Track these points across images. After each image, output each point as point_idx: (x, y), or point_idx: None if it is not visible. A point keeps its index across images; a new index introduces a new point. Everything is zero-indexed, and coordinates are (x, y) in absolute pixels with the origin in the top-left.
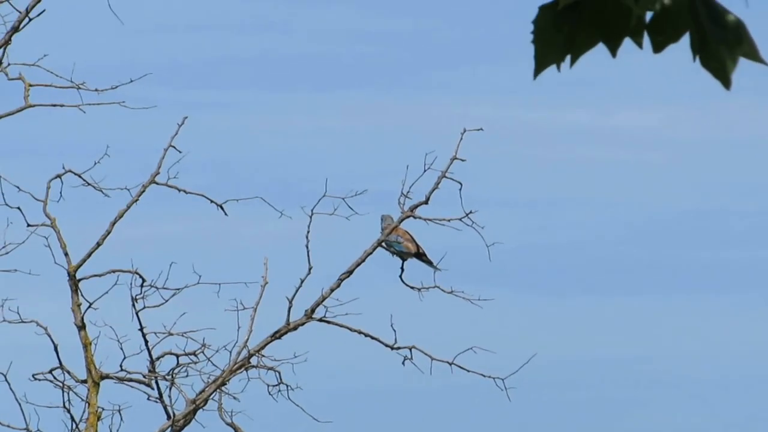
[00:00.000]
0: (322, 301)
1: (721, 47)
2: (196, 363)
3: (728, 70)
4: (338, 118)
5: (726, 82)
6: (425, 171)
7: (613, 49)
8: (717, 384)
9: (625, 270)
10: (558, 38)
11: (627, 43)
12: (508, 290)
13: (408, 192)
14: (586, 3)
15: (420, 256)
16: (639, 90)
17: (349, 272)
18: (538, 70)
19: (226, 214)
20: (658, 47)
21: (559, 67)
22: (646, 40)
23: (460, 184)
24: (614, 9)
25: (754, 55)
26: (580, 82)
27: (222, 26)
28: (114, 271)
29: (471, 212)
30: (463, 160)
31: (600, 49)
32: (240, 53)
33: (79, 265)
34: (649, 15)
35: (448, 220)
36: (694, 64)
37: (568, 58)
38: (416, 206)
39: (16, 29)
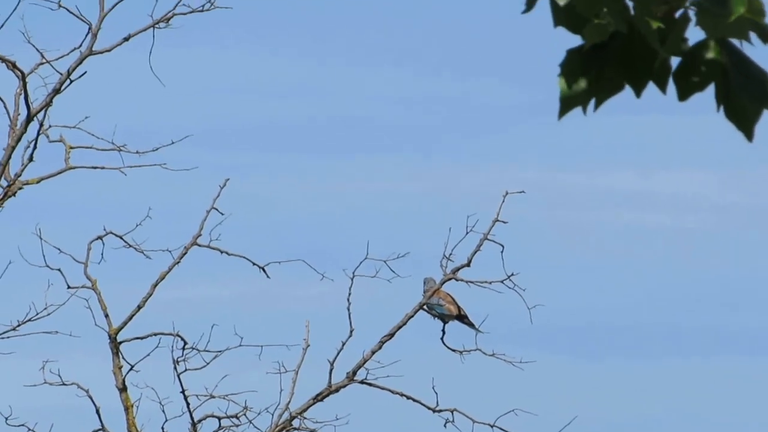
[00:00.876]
0: (364, 363)
1: (745, 98)
2: (237, 426)
3: (751, 122)
4: (380, 180)
5: (749, 134)
6: (467, 233)
7: (638, 90)
8: None
9: (666, 334)
10: (584, 80)
11: (664, 104)
12: (550, 352)
13: (450, 254)
14: (612, 46)
15: (462, 318)
16: (680, 152)
17: (391, 335)
18: (563, 112)
19: (268, 276)
20: (683, 95)
21: (584, 110)
22: (671, 87)
23: (502, 246)
24: (640, 51)
25: None
26: (620, 143)
27: (263, 89)
28: (155, 334)
29: (512, 274)
30: (504, 223)
31: (638, 107)
32: (281, 116)
33: (121, 328)
34: (675, 62)
35: (490, 283)
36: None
37: (593, 101)
38: (458, 269)
39: (57, 91)
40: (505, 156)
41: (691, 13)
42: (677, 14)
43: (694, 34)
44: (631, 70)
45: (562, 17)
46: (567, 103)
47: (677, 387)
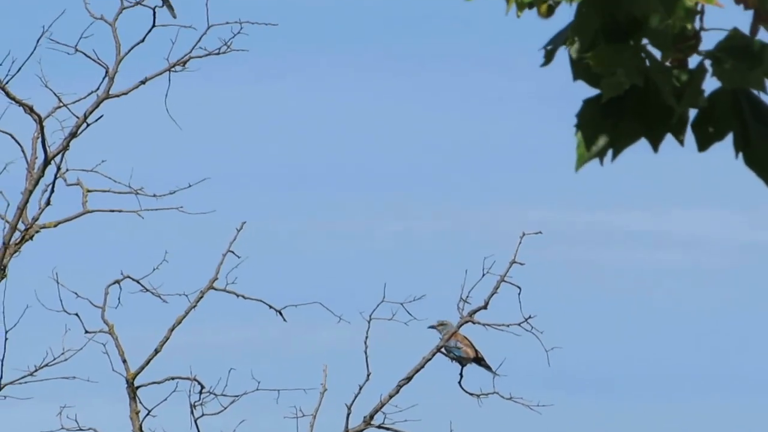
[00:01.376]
0: (381, 407)
1: (764, 146)
2: None
3: None
4: (395, 222)
5: None
6: (484, 275)
7: (655, 145)
8: None
9: (684, 375)
10: (601, 132)
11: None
12: (568, 395)
13: (467, 297)
14: (629, 97)
15: (479, 361)
16: (695, 190)
17: (408, 378)
18: (580, 163)
19: (284, 319)
20: (702, 146)
21: (602, 161)
22: (689, 136)
23: (519, 288)
24: (657, 105)
25: None
26: (636, 182)
27: (279, 131)
28: (172, 378)
29: (530, 317)
30: (521, 264)
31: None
32: (297, 158)
33: (138, 372)
34: (693, 111)
35: (507, 326)
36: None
37: (610, 151)
38: (475, 311)
39: (74, 135)
40: (519, 196)
41: (707, 64)
42: (693, 64)
43: (711, 83)
44: (648, 123)
45: (580, 72)
46: (584, 155)
47: (695, 428)
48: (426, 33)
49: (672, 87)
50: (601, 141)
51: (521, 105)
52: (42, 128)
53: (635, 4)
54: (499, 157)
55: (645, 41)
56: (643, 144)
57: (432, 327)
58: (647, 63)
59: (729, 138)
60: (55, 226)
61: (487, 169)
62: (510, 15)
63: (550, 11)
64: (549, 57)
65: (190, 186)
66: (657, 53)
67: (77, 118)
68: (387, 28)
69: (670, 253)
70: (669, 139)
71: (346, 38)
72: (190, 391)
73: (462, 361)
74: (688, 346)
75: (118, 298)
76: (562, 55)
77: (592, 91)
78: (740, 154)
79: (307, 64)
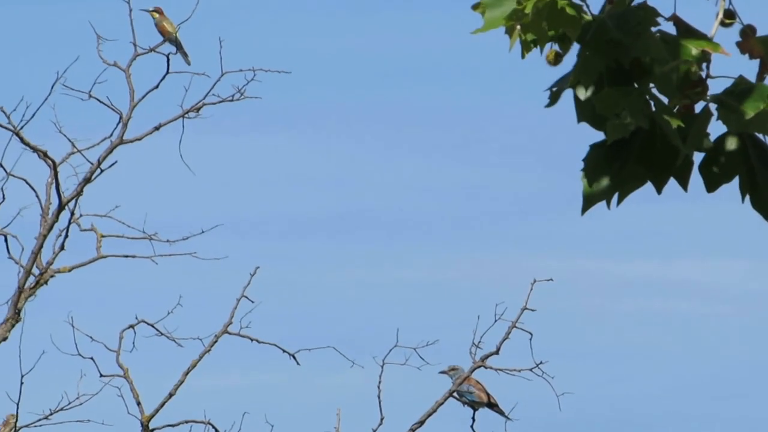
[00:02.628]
0: None
1: None
2: None
3: None
4: (408, 269)
5: None
6: (496, 321)
7: (659, 187)
8: None
9: (696, 422)
10: (607, 176)
11: (691, 191)
12: None
13: (479, 342)
14: (634, 141)
15: (492, 405)
16: (703, 240)
17: (421, 422)
18: (586, 207)
19: (298, 363)
20: (711, 187)
21: (608, 205)
22: (693, 182)
23: (531, 334)
24: (662, 148)
25: None
26: (643, 231)
27: (293, 178)
28: (187, 422)
29: (541, 362)
30: (533, 311)
31: (661, 200)
32: (309, 205)
33: (152, 415)
34: (700, 155)
35: (519, 371)
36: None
37: (616, 196)
38: (487, 356)
39: (88, 180)
40: (531, 245)
41: (713, 108)
42: (698, 108)
43: (716, 127)
44: (653, 166)
45: (585, 114)
46: (590, 199)
47: None
48: (436, 82)
49: (678, 128)
50: (607, 184)
51: (528, 152)
52: (56, 174)
53: (641, 50)
54: (511, 206)
55: (651, 85)
56: (652, 195)
57: (443, 372)
58: (653, 106)
59: (736, 181)
60: (70, 270)
61: (500, 218)
62: (514, 53)
63: (558, 59)
64: (554, 98)
65: (203, 232)
66: (663, 99)
67: (91, 163)
68: (398, 77)
69: (678, 300)
70: (678, 190)
71: (359, 85)
72: None
73: (475, 405)
74: (698, 389)
75: (133, 342)
76: (567, 95)
77: (600, 135)
78: (746, 198)
79: (320, 112)
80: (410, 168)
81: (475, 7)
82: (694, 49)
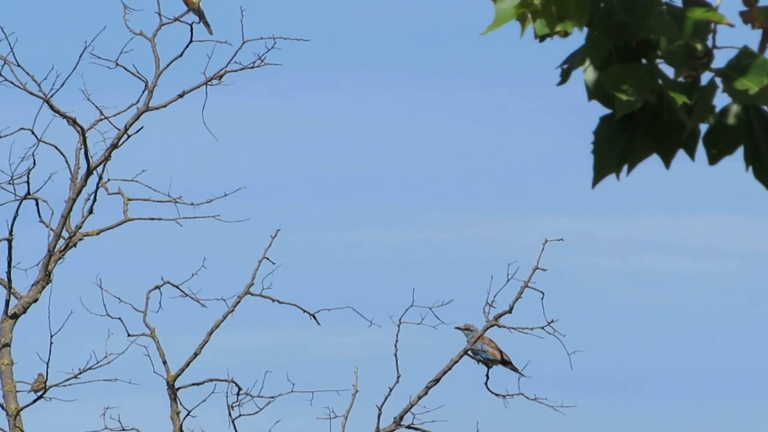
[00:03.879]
0: (410, 408)
1: None
2: None
3: None
4: (423, 231)
5: None
6: (508, 281)
7: (667, 161)
8: None
9: (703, 375)
10: (615, 148)
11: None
12: (590, 396)
13: (492, 301)
14: (643, 114)
15: (505, 363)
16: (704, 198)
17: (437, 380)
18: (596, 179)
19: (318, 323)
20: (713, 159)
21: (618, 176)
22: (699, 151)
23: (542, 293)
24: (669, 121)
25: None
26: (651, 190)
27: (312, 142)
28: (211, 380)
29: (552, 321)
30: (544, 270)
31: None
32: (329, 168)
33: (178, 374)
34: (704, 126)
35: (531, 329)
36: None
37: (625, 167)
38: (500, 315)
39: (115, 146)
40: (542, 206)
41: (718, 81)
42: (705, 81)
43: (721, 99)
44: (661, 139)
45: (596, 92)
46: (600, 171)
47: (713, 428)
48: (451, 50)
49: (684, 103)
50: (616, 157)
51: (543, 119)
52: (85, 140)
53: (648, 27)
54: (521, 169)
55: (658, 60)
56: (655, 157)
57: (458, 329)
58: (659, 81)
59: (739, 152)
60: (98, 233)
61: (511, 180)
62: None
63: (567, 33)
64: (565, 76)
65: (226, 195)
66: (670, 71)
67: (118, 130)
68: (414, 45)
69: (683, 257)
70: (683, 153)
71: (375, 54)
72: (227, 392)
73: (489, 363)
74: (704, 348)
75: (159, 303)
76: (578, 73)
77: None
78: (750, 168)
79: (338, 78)
80: (424, 132)
81: None
82: (699, 21)
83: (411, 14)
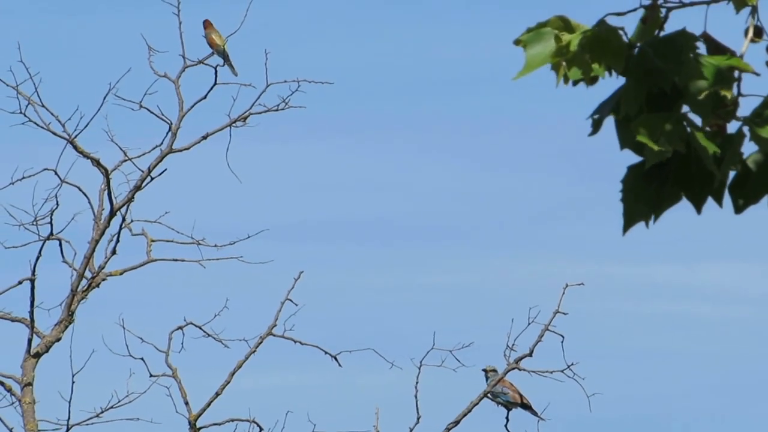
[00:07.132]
0: None
1: None
2: None
3: None
4: (445, 273)
5: None
6: (529, 324)
7: (698, 207)
8: None
9: (723, 418)
10: (645, 196)
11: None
12: None
13: (513, 345)
14: (672, 163)
15: (525, 406)
16: (722, 245)
17: (457, 422)
18: (626, 227)
19: (339, 365)
20: (739, 209)
21: (647, 224)
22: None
23: (562, 336)
24: (698, 170)
25: None
26: (666, 237)
27: (335, 185)
28: (233, 420)
29: (572, 364)
30: (565, 314)
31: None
32: (351, 211)
33: (200, 414)
34: (730, 174)
35: (551, 372)
36: None
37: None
38: (521, 358)
39: (138, 188)
40: (563, 251)
41: (746, 130)
42: (733, 129)
43: (747, 146)
44: (691, 187)
45: (628, 141)
46: (630, 219)
47: None
48: (476, 93)
49: (713, 153)
50: (646, 206)
51: (557, 159)
52: (108, 181)
53: (678, 73)
54: (544, 214)
55: (685, 109)
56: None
57: (484, 370)
58: (688, 130)
59: (765, 201)
60: (121, 274)
61: (533, 224)
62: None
63: (594, 80)
64: (596, 126)
65: (249, 237)
66: (697, 120)
67: (142, 171)
68: (432, 87)
69: (701, 303)
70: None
71: (398, 96)
72: None
73: (509, 406)
74: (722, 391)
75: (182, 343)
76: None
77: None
78: None
79: (362, 120)
80: (446, 175)
81: (516, 42)
82: (724, 69)
83: (431, 55)
